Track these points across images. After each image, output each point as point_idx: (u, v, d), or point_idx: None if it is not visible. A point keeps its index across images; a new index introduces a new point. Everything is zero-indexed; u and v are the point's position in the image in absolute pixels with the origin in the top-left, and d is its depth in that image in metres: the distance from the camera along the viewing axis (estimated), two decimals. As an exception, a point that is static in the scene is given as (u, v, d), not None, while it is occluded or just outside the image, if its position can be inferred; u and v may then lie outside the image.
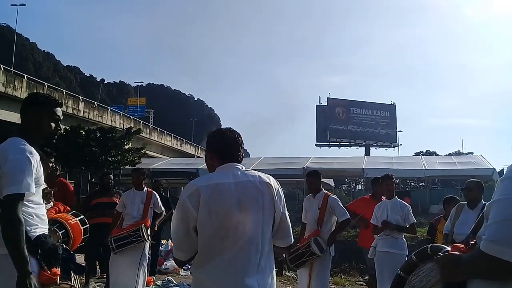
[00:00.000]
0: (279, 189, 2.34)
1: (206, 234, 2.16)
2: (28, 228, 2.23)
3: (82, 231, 3.33)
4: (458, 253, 1.56)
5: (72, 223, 3.23)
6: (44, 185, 3.26)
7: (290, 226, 2.40)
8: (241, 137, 2.42)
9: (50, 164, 4.07)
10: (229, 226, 2.15)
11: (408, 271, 1.83)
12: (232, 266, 2.13)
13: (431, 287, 1.65)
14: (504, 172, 1.53)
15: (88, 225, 3.49)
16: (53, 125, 2.49)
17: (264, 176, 2.31)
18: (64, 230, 3.08)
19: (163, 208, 6.16)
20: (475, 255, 1.44)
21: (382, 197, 5.90)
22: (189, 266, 9.41)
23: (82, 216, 3.51)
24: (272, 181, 2.32)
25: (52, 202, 3.91)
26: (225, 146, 2.36)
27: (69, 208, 3.84)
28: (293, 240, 2.46)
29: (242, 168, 2.32)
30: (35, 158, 2.30)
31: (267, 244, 2.24)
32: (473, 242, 1.60)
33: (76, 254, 2.61)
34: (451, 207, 5.99)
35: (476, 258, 1.42)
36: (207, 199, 2.14)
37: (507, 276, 1.38)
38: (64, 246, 2.52)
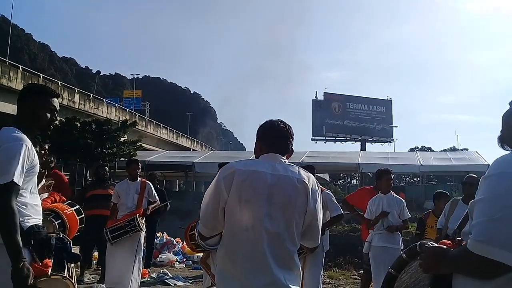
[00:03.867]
0: (317, 191, 2.26)
1: (232, 220, 2.13)
2: (21, 219, 2.20)
3: (78, 221, 3.32)
4: (445, 247, 1.58)
5: (68, 213, 3.21)
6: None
7: (320, 229, 2.33)
8: (291, 129, 2.35)
9: (43, 152, 4.04)
10: (255, 217, 2.11)
11: (398, 269, 1.84)
12: (257, 260, 2.09)
13: (420, 282, 1.67)
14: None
15: (83, 215, 3.48)
16: (48, 115, 2.46)
17: (304, 174, 2.24)
18: (60, 220, 3.07)
19: (157, 197, 6.16)
20: (462, 253, 1.46)
21: None
22: (184, 259, 9.46)
23: (78, 206, 3.50)
24: (311, 181, 2.24)
25: (48, 192, 3.90)
26: (273, 136, 2.31)
27: (64, 198, 3.82)
28: (319, 241, 2.40)
29: (285, 161, 2.26)
30: (28, 146, 2.27)
31: (294, 242, 2.18)
32: (459, 238, 1.63)
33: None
34: (441, 202, 6.03)
35: (464, 256, 1.44)
36: (240, 184, 2.12)
37: (493, 274, 1.39)
38: (61, 235, 2.51)
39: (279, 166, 2.21)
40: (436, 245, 1.66)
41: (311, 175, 2.29)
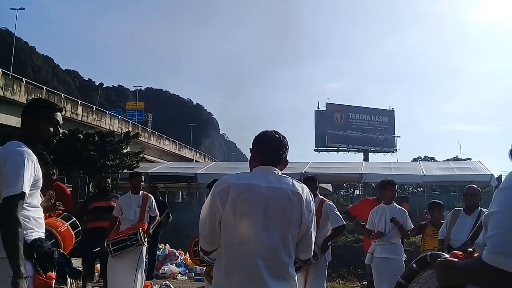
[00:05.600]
0: (311, 202, 2.28)
1: (228, 234, 2.14)
2: (25, 232, 2.23)
3: (74, 236, 3.29)
4: (456, 259, 1.58)
5: (62, 230, 3.17)
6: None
7: (314, 240, 2.34)
8: (286, 139, 2.38)
9: (51, 172, 4.03)
10: (252, 231, 2.12)
11: (408, 279, 1.84)
12: (253, 274, 2.09)
13: None
14: (502, 179, 1.55)
15: (80, 228, 3.45)
16: (51, 129, 2.49)
17: (298, 186, 2.26)
18: (54, 240, 3.03)
19: (157, 212, 6.15)
20: (476, 264, 1.46)
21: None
22: (187, 271, 9.42)
23: (74, 219, 3.46)
24: (305, 192, 2.26)
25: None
26: (267, 147, 2.33)
27: (60, 211, 3.80)
28: (312, 253, 2.42)
29: (278, 173, 2.27)
30: (33, 160, 2.31)
31: (290, 254, 2.19)
32: (471, 250, 1.62)
33: (73, 258, 2.60)
34: (435, 212, 6.08)
35: (479, 268, 1.44)
36: (235, 198, 2.12)
37: (509, 286, 1.39)
38: (60, 250, 2.51)
39: (273, 179, 2.22)
40: (447, 257, 1.66)
41: (304, 186, 2.31)
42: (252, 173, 2.29)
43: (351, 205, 7.34)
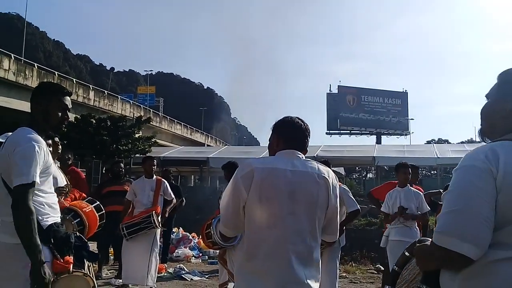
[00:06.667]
0: (337, 186, 2.25)
1: (253, 219, 2.11)
2: (40, 218, 2.23)
3: (98, 218, 3.33)
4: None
5: (87, 211, 3.23)
6: (64, 182, 3.27)
7: (339, 223, 2.32)
8: (309, 127, 2.34)
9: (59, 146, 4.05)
10: (278, 215, 2.09)
11: (402, 266, 1.87)
12: (278, 258, 2.07)
13: (415, 278, 1.73)
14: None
15: (103, 211, 3.49)
16: (60, 114, 2.46)
17: (324, 170, 2.22)
18: (79, 219, 3.09)
19: (173, 195, 6.20)
20: (431, 246, 1.50)
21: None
22: (200, 254, 9.50)
23: (98, 203, 3.52)
24: (331, 176, 2.23)
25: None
26: (291, 132, 2.29)
27: (84, 195, 3.84)
28: (338, 236, 2.40)
29: (302, 157, 2.24)
30: (43, 147, 2.29)
31: (316, 238, 2.16)
32: None
33: (88, 242, 2.61)
34: None
35: (432, 249, 1.48)
36: (260, 182, 2.08)
37: (457, 266, 1.42)
38: (78, 234, 2.52)
39: (298, 162, 2.18)
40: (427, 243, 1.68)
41: (329, 169, 2.27)
42: (276, 157, 2.24)
43: (374, 188, 7.27)
